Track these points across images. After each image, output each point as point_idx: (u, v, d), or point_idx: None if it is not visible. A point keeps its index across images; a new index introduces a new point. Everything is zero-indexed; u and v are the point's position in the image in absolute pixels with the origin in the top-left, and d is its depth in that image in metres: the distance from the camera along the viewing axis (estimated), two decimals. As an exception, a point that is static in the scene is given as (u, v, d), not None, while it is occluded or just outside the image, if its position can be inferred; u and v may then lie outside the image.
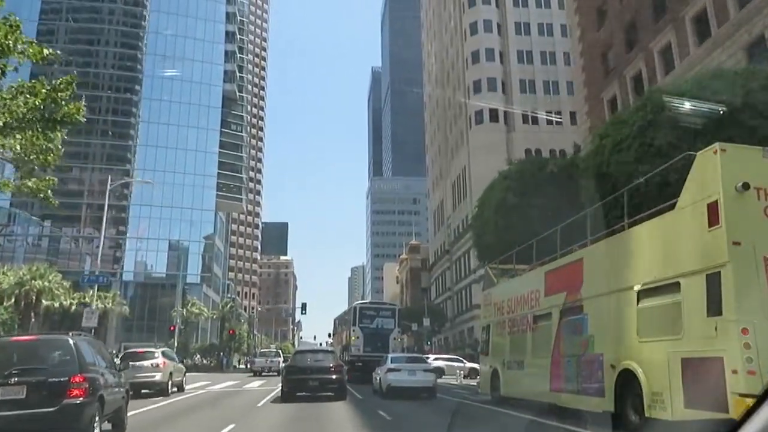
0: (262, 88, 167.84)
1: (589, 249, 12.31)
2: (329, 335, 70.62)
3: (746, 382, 7.24)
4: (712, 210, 8.18)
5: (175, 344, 45.67)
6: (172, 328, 47.83)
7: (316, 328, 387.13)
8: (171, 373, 19.61)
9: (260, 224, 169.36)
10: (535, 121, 58.44)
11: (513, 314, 15.77)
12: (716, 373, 7.65)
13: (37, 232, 76.02)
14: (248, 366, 65.76)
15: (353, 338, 30.18)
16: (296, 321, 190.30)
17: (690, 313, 8.49)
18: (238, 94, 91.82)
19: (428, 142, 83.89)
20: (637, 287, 9.94)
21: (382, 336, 29.83)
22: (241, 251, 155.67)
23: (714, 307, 7.98)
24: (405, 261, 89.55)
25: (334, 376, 16.89)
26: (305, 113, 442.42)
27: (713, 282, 8.04)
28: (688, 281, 8.60)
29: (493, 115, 58.36)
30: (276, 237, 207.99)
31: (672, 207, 9.43)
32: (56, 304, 65.73)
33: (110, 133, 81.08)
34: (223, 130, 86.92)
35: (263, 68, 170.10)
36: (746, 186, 8.03)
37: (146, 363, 19.03)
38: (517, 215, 21.27)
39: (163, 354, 20.26)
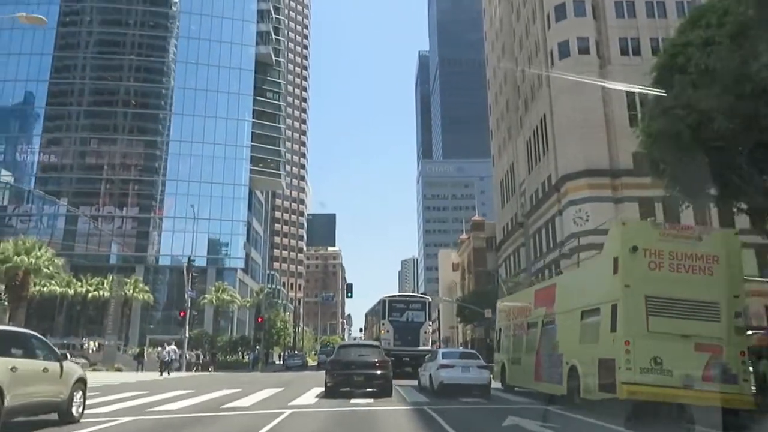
0: (305, 78, 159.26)
1: (559, 278, 20.71)
2: (360, 330, 62.55)
3: (626, 375, 11.59)
4: (615, 263, 12.63)
5: (187, 335, 35.72)
6: (182, 314, 37.85)
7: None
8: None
9: (305, 213, 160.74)
10: (637, 51, 46.05)
11: (515, 321, 20.45)
12: (612, 369, 12.01)
13: (52, 211, 68.10)
14: (284, 363, 56.12)
15: (383, 332, 30.30)
16: (346, 315, 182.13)
17: (603, 328, 12.86)
18: (274, 58, 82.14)
19: (491, 101, 72.00)
20: (580, 309, 14.39)
21: (413, 329, 30.15)
22: (285, 240, 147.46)
23: (613, 326, 12.37)
24: (466, 242, 78.02)
25: (379, 372, 16.22)
26: (349, 101, 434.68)
27: (613, 310, 12.43)
28: (603, 308, 13.00)
29: (583, 45, 46.24)
30: (323, 229, 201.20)
31: None
32: (46, 288, 57.66)
33: (133, 102, 72.61)
34: (257, 98, 77.39)
35: (305, 49, 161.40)
36: (635, 248, 12.28)
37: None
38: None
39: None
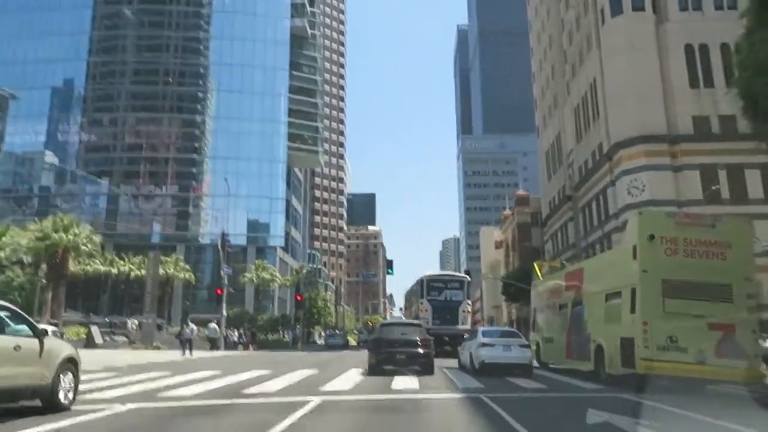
0: (341, 54, 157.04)
1: (586, 262, 20.87)
2: (400, 309, 61.40)
3: (644, 352, 12.63)
4: (634, 250, 13.53)
5: (224, 313, 34.79)
6: (218, 292, 36.94)
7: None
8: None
9: (345, 191, 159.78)
10: (698, 5, 42.41)
11: (548, 302, 21.74)
12: (632, 346, 13.05)
13: (93, 190, 68.53)
14: (326, 342, 55.20)
15: (422, 311, 30.25)
16: (387, 294, 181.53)
17: (624, 310, 13.87)
18: (309, 31, 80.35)
19: (535, 69, 68.63)
20: (605, 292, 15.41)
21: (451, 308, 30.16)
22: (326, 219, 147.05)
23: (632, 307, 13.36)
24: (510, 218, 75.35)
25: (421, 350, 16.25)
26: (387, 79, 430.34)
27: (633, 293, 13.40)
28: (624, 291, 13.98)
29: (637, 1, 42.79)
30: (363, 209, 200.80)
31: None
32: (90, 267, 57.96)
33: (170, 80, 72.12)
34: (293, 73, 75.91)
35: (342, 24, 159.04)
36: (652, 237, 13.20)
37: None
38: None
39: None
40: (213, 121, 71.46)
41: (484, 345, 16.67)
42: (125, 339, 38.65)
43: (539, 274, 27.77)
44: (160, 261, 61.11)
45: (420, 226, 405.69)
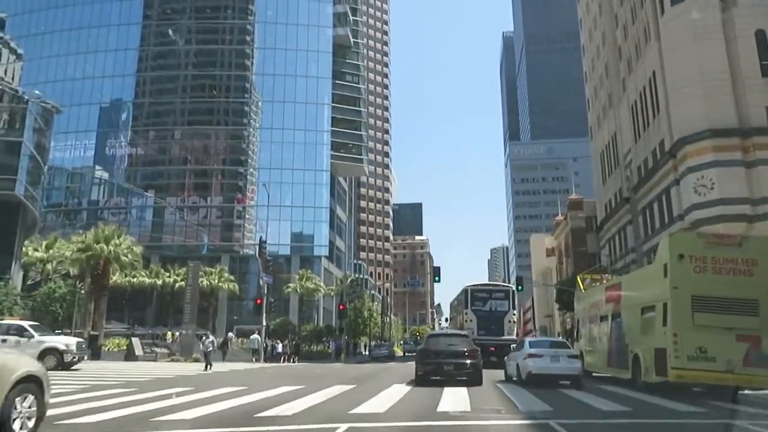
0: (385, 65, 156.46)
1: (625, 277, 21.93)
2: (446, 320, 59.22)
3: (675, 362, 13.69)
4: (665, 268, 14.69)
5: (264, 323, 33.44)
6: (258, 302, 35.63)
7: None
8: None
9: (391, 201, 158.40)
10: (769, -11, 39.00)
11: (590, 314, 22.80)
12: (665, 356, 14.04)
13: (140, 203, 69.02)
14: (370, 353, 53.40)
15: (466, 321, 30.06)
16: (435, 304, 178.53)
17: (657, 323, 14.95)
18: (352, 40, 79.53)
19: (587, 68, 65.55)
20: (640, 306, 16.58)
21: (496, 319, 29.86)
22: (372, 230, 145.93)
23: (664, 320, 14.47)
24: (562, 223, 72.08)
25: (468, 361, 15.99)
26: (431, 88, 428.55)
27: (665, 308, 14.52)
28: (657, 305, 15.11)
29: (701, -14, 39.72)
30: (410, 219, 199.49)
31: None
32: (135, 279, 57.91)
33: (214, 92, 72.34)
34: (336, 82, 75.07)
35: (385, 35, 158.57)
36: (681, 256, 14.30)
37: None
38: None
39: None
40: (257, 132, 71.24)
41: (531, 356, 16.38)
42: (166, 351, 37.82)
43: (582, 286, 28.76)
44: (204, 272, 61.30)
45: (468, 235, 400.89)
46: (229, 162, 70.68)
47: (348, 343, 55.31)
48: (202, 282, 59.80)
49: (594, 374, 19.55)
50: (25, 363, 6.64)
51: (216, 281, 59.80)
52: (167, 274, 59.93)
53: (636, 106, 47.96)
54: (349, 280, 67.19)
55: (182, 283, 58.12)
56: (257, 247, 33.02)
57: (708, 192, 36.18)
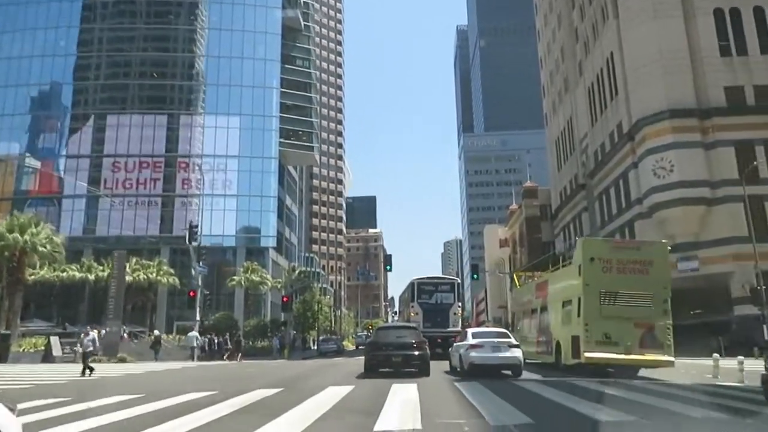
0: (339, 54, 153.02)
1: (550, 275, 22.14)
2: (394, 314, 58.03)
3: (586, 346, 16.33)
4: (579, 268, 17.24)
5: (198, 317, 30.31)
6: (191, 294, 32.40)
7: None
8: None
9: (344, 193, 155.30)
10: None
11: (524, 308, 25.80)
12: (578, 343, 16.65)
13: (75, 194, 64.02)
14: (318, 348, 50.71)
15: (412, 314, 30.77)
16: (389, 298, 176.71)
17: (573, 314, 17.55)
18: (302, 23, 76.15)
19: (542, 53, 64.31)
20: (561, 300, 19.18)
21: (442, 311, 30.59)
22: (324, 222, 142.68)
23: (578, 312, 17.06)
24: (517, 212, 70.87)
25: (417, 352, 16.46)
26: (385, 81, 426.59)
27: (579, 301, 17.09)
28: (573, 300, 17.67)
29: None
30: (364, 212, 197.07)
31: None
32: (65, 274, 53.69)
33: (154, 74, 67.89)
34: (286, 66, 71.62)
35: (339, 24, 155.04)
36: (592, 259, 16.89)
37: None
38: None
39: None
40: (202, 116, 67.19)
41: (473, 346, 16.58)
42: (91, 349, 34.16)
43: (517, 283, 31.21)
44: (142, 265, 57.13)
45: (422, 229, 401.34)
46: (171, 149, 66.40)
47: (296, 338, 52.39)
48: (139, 276, 55.78)
49: (527, 361, 20.11)
50: None
51: (154, 275, 55.81)
52: (101, 267, 55.57)
53: (593, 89, 46.75)
54: (297, 271, 64.09)
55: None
56: (187, 233, 29.72)
57: (667, 174, 35.04)
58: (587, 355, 16.25)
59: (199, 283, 31.75)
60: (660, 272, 16.90)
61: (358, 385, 12.92)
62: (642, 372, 17.08)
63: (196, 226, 31.65)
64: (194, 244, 31.00)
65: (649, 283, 16.63)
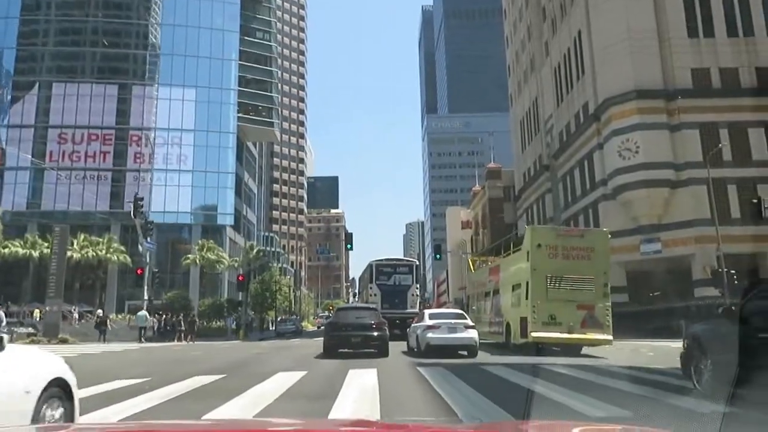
0: (302, 30, 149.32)
1: (502, 260, 23.18)
2: (353, 295, 57.89)
3: (533, 326, 17.49)
4: (527, 254, 18.53)
5: (146, 296, 28.59)
6: (138, 272, 30.54)
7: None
8: None
9: (306, 172, 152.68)
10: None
11: (478, 290, 27.29)
12: (526, 323, 17.81)
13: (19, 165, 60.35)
14: (276, 329, 49.38)
15: (371, 295, 30.98)
16: (350, 279, 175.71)
17: (521, 297, 18.76)
18: (263, -6, 73.43)
19: (508, 32, 63.43)
20: (511, 284, 20.36)
21: (400, 292, 30.79)
22: (285, 201, 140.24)
23: (526, 295, 18.19)
24: (480, 193, 70.39)
25: (376, 333, 16.54)
26: (349, 60, 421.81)
27: (527, 285, 18.24)
28: (522, 283, 18.87)
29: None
30: (326, 192, 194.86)
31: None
32: (7, 250, 51.00)
33: (104, 42, 64.32)
34: (245, 38, 68.97)
35: (303, 1, 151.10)
36: (539, 245, 18.17)
37: None
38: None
39: None
40: (155, 87, 64.11)
41: (429, 327, 16.79)
42: (30, 330, 32.15)
43: (472, 267, 31.70)
44: (91, 242, 54.52)
45: (384, 211, 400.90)
46: (123, 121, 63.24)
47: (253, 319, 50.91)
48: (87, 253, 53.27)
49: (480, 341, 21.05)
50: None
51: (104, 252, 53.38)
52: (45, 244, 52.68)
53: (559, 69, 46.11)
54: (255, 250, 62.29)
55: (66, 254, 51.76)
56: (132, 207, 27.77)
57: (633, 156, 34.65)
58: (534, 334, 17.47)
59: (148, 260, 29.91)
60: (601, 258, 18.28)
61: (311, 370, 11.74)
62: (585, 350, 18.31)
63: (142, 199, 29.73)
64: (141, 219, 28.96)
65: (591, 269, 17.99)
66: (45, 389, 4.50)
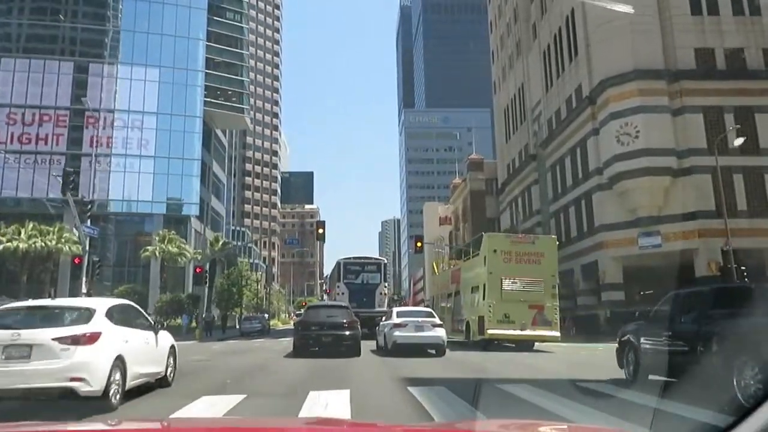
0: (277, 18, 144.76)
1: (463, 263, 26.03)
2: (324, 293, 55.74)
3: (489, 325, 19.72)
4: (484, 259, 20.86)
5: (83, 290, 24.82)
6: (77, 261, 26.68)
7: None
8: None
9: (279, 166, 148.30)
10: None
11: (442, 291, 29.65)
12: (483, 322, 19.96)
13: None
14: (240, 328, 45.63)
15: (339, 294, 31.04)
16: (324, 276, 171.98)
17: (479, 298, 20.91)
18: (233, -29, 69.29)
19: (493, 17, 60.40)
20: (471, 286, 22.62)
21: (368, 291, 30.72)
22: (258, 195, 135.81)
23: (483, 296, 20.37)
24: (461, 186, 67.35)
25: (347, 332, 16.15)
26: (326, 54, 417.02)
27: (484, 287, 20.44)
28: (480, 285, 21.02)
29: None
30: (300, 188, 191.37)
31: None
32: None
33: (61, 17, 59.59)
34: (214, 18, 64.88)
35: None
36: (495, 250, 20.56)
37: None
38: None
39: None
40: (114, 66, 59.58)
41: (397, 326, 16.57)
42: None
43: (436, 270, 34.57)
44: (40, 231, 50.09)
45: (360, 208, 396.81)
46: (78, 101, 58.62)
47: (214, 316, 47.08)
48: (36, 244, 48.92)
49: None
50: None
51: (54, 243, 48.94)
52: (-10, 234, 48.21)
53: (549, 52, 43.16)
54: (221, 243, 58.30)
55: (8, 244, 47.52)
56: (61, 182, 23.88)
57: (632, 141, 31.79)
58: (490, 332, 19.70)
59: (87, 247, 26.05)
60: (550, 262, 20.84)
61: (255, 392, 8.31)
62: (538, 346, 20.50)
63: (73, 172, 25.72)
64: (74, 196, 25.11)
65: (541, 272, 20.40)
66: (170, 348, 9.83)
